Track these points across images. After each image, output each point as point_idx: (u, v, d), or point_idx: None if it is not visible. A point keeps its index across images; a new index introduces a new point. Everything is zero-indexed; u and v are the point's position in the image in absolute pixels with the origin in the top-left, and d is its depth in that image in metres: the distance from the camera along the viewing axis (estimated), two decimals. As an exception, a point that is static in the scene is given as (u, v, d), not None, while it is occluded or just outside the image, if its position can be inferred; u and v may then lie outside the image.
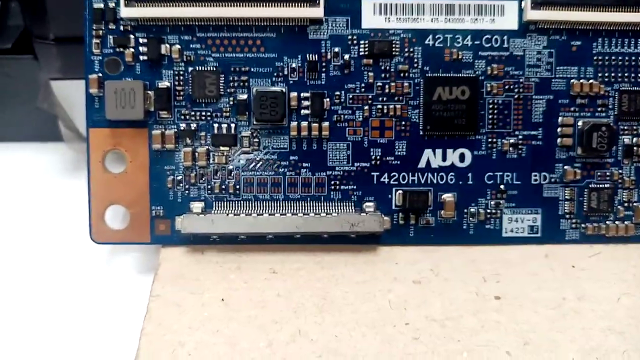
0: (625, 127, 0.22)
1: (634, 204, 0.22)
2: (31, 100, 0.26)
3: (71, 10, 0.22)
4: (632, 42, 0.22)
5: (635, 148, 0.22)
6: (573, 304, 0.20)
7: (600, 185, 0.22)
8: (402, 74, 0.22)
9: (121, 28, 0.21)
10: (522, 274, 0.21)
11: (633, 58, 0.22)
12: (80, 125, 0.26)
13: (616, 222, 0.22)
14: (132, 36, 0.21)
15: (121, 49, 0.21)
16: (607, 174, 0.22)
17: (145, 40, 0.21)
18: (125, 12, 0.21)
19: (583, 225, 0.22)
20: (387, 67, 0.22)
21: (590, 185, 0.22)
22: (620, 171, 0.22)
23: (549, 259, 0.22)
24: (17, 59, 0.25)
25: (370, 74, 0.22)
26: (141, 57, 0.21)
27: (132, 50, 0.21)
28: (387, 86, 0.22)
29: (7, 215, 0.25)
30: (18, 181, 0.26)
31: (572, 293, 0.21)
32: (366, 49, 0.21)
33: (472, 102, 0.22)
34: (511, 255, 0.22)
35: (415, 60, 0.22)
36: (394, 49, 0.21)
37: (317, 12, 0.21)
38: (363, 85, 0.22)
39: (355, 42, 0.22)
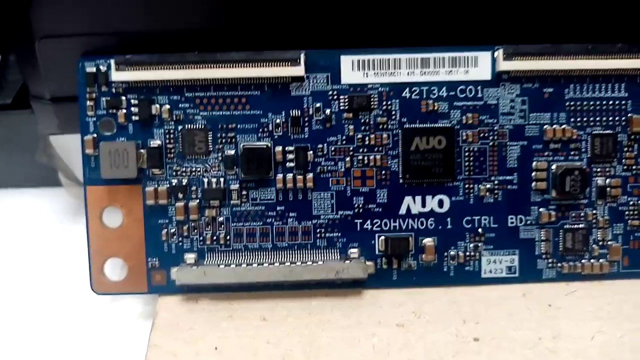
0: (599, 169, 0.23)
1: (608, 242, 0.23)
2: (31, 151, 0.27)
3: (65, 70, 0.23)
4: (603, 87, 0.23)
5: (608, 189, 0.23)
6: (549, 343, 0.21)
7: (575, 226, 0.23)
8: (381, 126, 0.23)
9: (113, 90, 0.23)
10: (501, 314, 0.22)
11: (604, 102, 0.23)
12: (79, 174, 0.27)
13: (591, 261, 0.23)
14: (123, 98, 0.23)
15: (114, 110, 0.23)
16: (582, 214, 0.23)
17: (137, 102, 0.22)
18: (116, 75, 0.22)
19: (559, 264, 0.23)
20: (367, 120, 0.23)
21: (565, 227, 0.23)
22: (594, 211, 0.23)
23: (526, 298, 0.23)
24: (17, 114, 0.26)
25: (351, 127, 0.23)
26: (133, 117, 0.23)
27: (124, 111, 0.23)
28: (367, 138, 0.23)
29: (8, 259, 0.26)
30: (19, 226, 0.28)
31: (549, 332, 0.22)
32: (346, 104, 0.22)
33: (448, 151, 0.23)
34: (490, 295, 0.23)
35: (393, 112, 0.23)
36: (372, 103, 0.22)
37: (299, 70, 0.22)
38: (344, 137, 0.23)
39: (335, 97, 0.23)
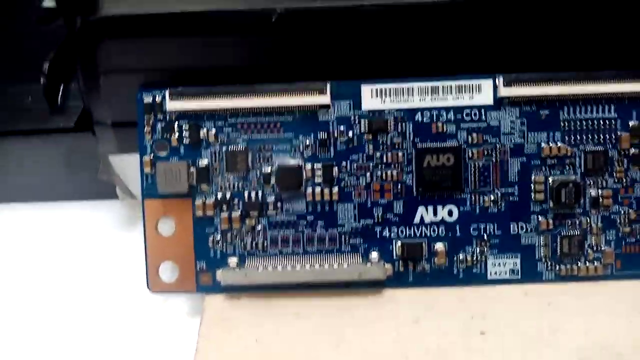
0: (591, 182, 0.26)
1: (602, 247, 0.26)
2: (90, 169, 0.30)
3: (125, 100, 0.27)
4: (594, 109, 0.26)
5: (600, 199, 0.26)
6: (547, 336, 0.24)
7: (571, 233, 0.26)
8: (396, 146, 0.26)
9: (167, 117, 0.26)
10: (505, 311, 0.25)
11: (595, 122, 0.26)
12: (133, 189, 0.31)
13: (587, 264, 0.26)
14: (176, 124, 0.26)
15: (168, 135, 0.26)
16: (577, 222, 0.26)
17: (187, 127, 0.26)
18: (170, 105, 0.26)
19: (557, 267, 0.26)
20: (384, 141, 0.26)
21: (562, 233, 0.26)
22: (588, 219, 0.26)
23: (528, 296, 0.25)
24: (79, 136, 0.30)
25: (370, 147, 0.26)
26: (184, 140, 0.26)
27: (176, 135, 0.26)
28: (384, 156, 0.26)
29: (71, 262, 0.29)
30: (81, 233, 0.31)
31: (548, 326, 0.24)
32: (366, 127, 0.26)
33: (456, 167, 0.26)
34: (495, 294, 0.26)
35: (407, 134, 0.26)
36: (389, 126, 0.26)
37: (325, 99, 0.25)
38: (365, 156, 0.26)
39: (357, 121, 0.26)
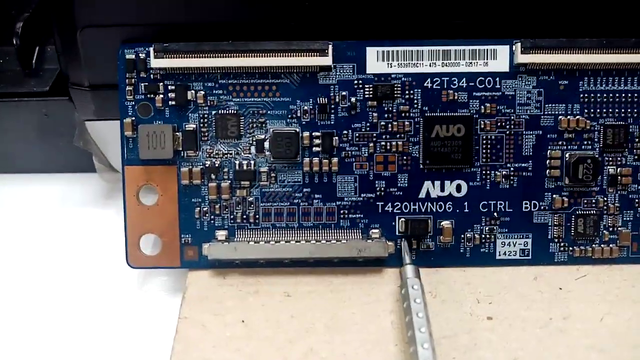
0: (610, 159, 0.24)
1: (618, 228, 0.24)
2: (67, 136, 0.28)
3: (105, 59, 0.24)
4: (616, 80, 0.24)
5: (619, 177, 0.24)
6: (559, 323, 0.22)
7: (587, 212, 0.24)
8: (403, 114, 0.24)
9: (151, 76, 0.24)
10: (513, 296, 0.23)
11: (617, 95, 0.24)
12: (112, 160, 0.29)
13: (602, 245, 0.24)
14: (161, 84, 0.24)
15: (152, 95, 0.24)
16: (593, 201, 0.24)
17: (173, 87, 0.24)
18: (154, 62, 0.24)
19: (570, 248, 0.24)
20: (390, 108, 0.24)
21: (577, 212, 0.24)
22: (605, 199, 0.24)
23: (537, 281, 0.24)
24: (54, 101, 0.28)
25: (375, 114, 0.24)
26: (170, 102, 0.24)
27: (161, 96, 0.24)
28: (389, 125, 0.24)
29: (45, 241, 0.27)
30: (55, 209, 0.29)
31: (559, 313, 0.23)
32: (371, 92, 0.24)
33: (467, 139, 0.24)
34: (503, 277, 0.24)
35: (415, 101, 0.24)
36: (395, 92, 0.24)
37: (327, 60, 0.23)
38: (368, 124, 0.24)
39: (360, 86, 0.24)
